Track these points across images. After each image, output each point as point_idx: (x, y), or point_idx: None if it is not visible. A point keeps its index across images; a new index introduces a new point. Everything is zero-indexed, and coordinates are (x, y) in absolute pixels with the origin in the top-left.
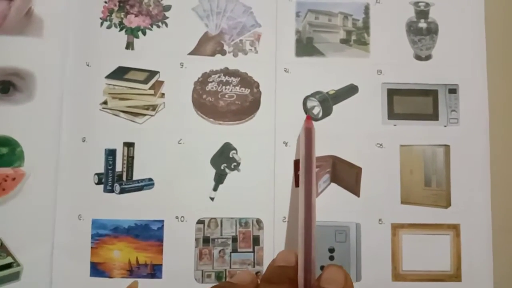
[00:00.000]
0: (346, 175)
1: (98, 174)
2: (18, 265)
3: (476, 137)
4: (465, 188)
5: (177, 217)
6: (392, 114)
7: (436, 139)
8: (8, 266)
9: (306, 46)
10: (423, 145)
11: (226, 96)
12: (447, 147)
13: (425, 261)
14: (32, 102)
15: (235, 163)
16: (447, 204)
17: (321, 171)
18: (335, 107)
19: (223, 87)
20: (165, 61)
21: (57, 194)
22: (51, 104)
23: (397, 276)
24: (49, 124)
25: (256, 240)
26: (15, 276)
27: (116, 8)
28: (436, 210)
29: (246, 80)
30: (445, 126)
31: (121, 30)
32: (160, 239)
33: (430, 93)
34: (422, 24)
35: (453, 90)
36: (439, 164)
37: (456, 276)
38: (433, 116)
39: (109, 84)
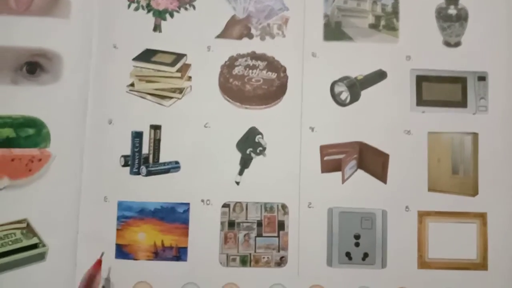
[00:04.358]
0: (373, 162)
1: (124, 156)
2: (44, 245)
3: (505, 126)
4: (493, 177)
5: (202, 201)
6: (421, 101)
7: (464, 127)
8: (34, 246)
9: (334, 31)
10: (451, 132)
11: (253, 80)
12: (475, 135)
13: (451, 249)
14: (59, 83)
15: (260, 148)
16: (474, 193)
17: (347, 157)
18: (363, 93)
19: (250, 71)
20: (192, 44)
21: (83, 176)
22: (78, 85)
23: (423, 264)
24: (75, 105)
25: (281, 225)
26: (41, 257)
27: None
28: (463, 198)
29: (273, 64)
30: (473, 113)
31: (148, 12)
32: (185, 222)
33: (459, 80)
34: (452, 11)
35: (482, 78)
36: (467, 152)
37: (482, 265)
38: (462, 103)
39: (136, 67)
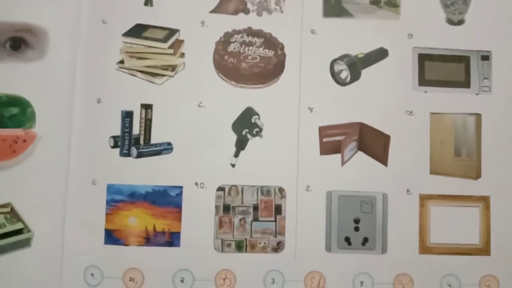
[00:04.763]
0: (374, 143)
1: (114, 137)
2: (29, 231)
3: (509, 107)
4: (496, 159)
5: (196, 184)
6: (423, 80)
7: (467, 108)
8: (18, 232)
9: (334, 6)
10: (454, 113)
11: (249, 57)
12: (478, 116)
13: (454, 233)
14: (45, 60)
15: (257, 129)
16: (477, 175)
17: (347, 138)
18: (363, 72)
19: (246, 48)
20: (186, 18)
21: (70, 158)
22: (65, 62)
23: (424, 248)
24: (62, 83)
25: (278, 209)
26: (26, 243)
27: None
28: (465, 181)
29: (270, 41)
30: (477, 94)
31: None
32: (178, 206)
33: (462, 60)
34: None
35: (485, 57)
36: (470, 133)
37: (485, 250)
38: (465, 83)
39: (126, 43)
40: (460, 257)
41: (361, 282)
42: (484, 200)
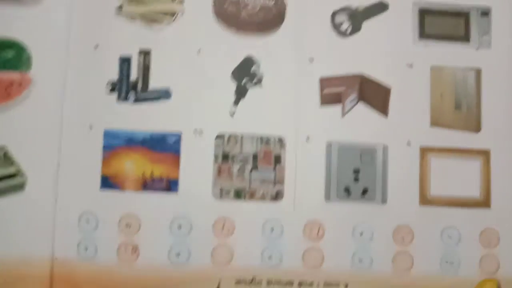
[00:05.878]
0: (374, 95)
1: (111, 83)
2: (23, 175)
3: (508, 61)
4: (496, 113)
5: (195, 130)
6: (423, 34)
7: (467, 62)
8: (12, 176)
9: None
10: (454, 67)
11: (249, 7)
12: (478, 70)
13: (454, 186)
14: (41, 3)
15: (257, 78)
16: (477, 128)
17: (348, 89)
18: (364, 24)
19: None
20: None
21: (66, 102)
22: (62, 6)
23: (425, 200)
24: (59, 28)
25: (278, 159)
26: (20, 187)
27: None
28: (466, 135)
29: None
30: (476, 49)
31: None
32: (176, 152)
33: (462, 15)
34: None
35: (485, 13)
36: (469, 87)
37: (485, 202)
38: (465, 38)
39: None
40: (460, 210)
41: (361, 233)
42: (485, 154)
